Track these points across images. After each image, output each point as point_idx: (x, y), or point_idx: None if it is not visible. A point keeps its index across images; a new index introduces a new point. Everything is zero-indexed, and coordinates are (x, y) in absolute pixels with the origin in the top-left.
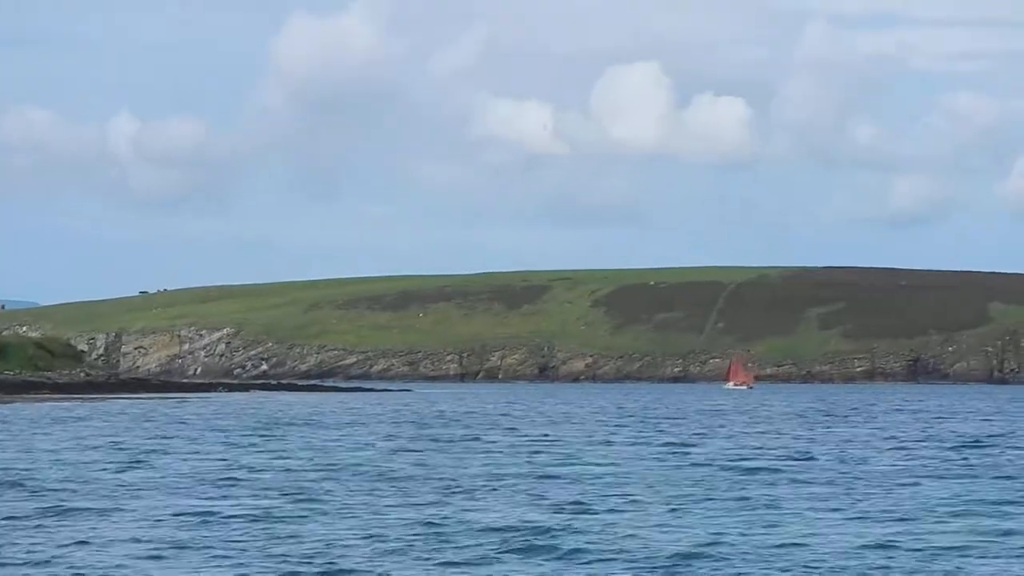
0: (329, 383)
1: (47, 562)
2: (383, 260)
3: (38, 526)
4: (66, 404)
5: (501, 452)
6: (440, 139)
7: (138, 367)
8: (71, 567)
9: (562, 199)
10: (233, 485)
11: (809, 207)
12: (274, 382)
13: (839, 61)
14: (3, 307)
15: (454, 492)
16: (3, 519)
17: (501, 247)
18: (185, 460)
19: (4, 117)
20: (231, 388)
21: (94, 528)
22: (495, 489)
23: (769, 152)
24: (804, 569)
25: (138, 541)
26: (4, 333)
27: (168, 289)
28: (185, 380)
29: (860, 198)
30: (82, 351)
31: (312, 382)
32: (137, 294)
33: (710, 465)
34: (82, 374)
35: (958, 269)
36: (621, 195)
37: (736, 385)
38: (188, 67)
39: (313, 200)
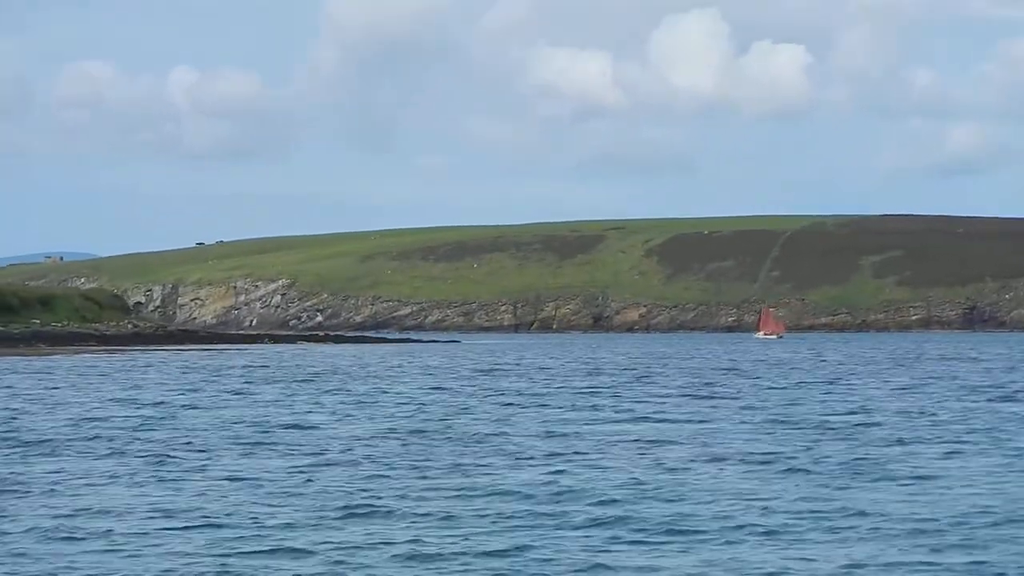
0: (384, 334)
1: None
2: (437, 212)
3: None
4: (94, 356)
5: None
6: (494, 91)
7: (195, 318)
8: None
9: (617, 149)
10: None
11: (865, 155)
12: (321, 333)
13: (897, 7)
14: (61, 259)
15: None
16: None
17: (554, 198)
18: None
19: (62, 72)
20: (276, 340)
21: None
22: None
23: (826, 100)
24: None
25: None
26: (61, 284)
27: (224, 241)
28: (237, 332)
29: (916, 146)
30: (138, 303)
31: (366, 333)
32: (193, 246)
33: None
34: (129, 326)
35: (1014, 216)
36: (676, 145)
37: (766, 335)
38: (245, 21)
39: (367, 153)
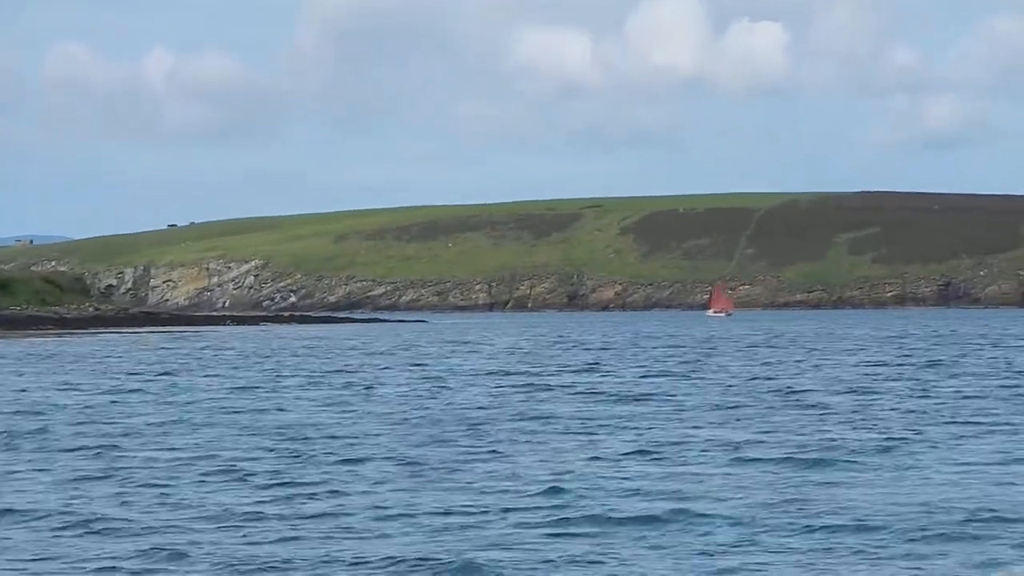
0: (357, 314)
1: None
2: (414, 192)
3: None
4: (42, 340)
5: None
6: (475, 71)
7: (167, 300)
8: None
9: (595, 128)
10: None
11: (843, 132)
12: (286, 315)
13: None
14: (31, 242)
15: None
16: None
17: (531, 176)
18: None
19: (37, 54)
20: (239, 321)
21: None
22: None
23: (805, 77)
24: None
25: None
26: (31, 268)
27: (197, 222)
28: (205, 314)
29: (895, 122)
30: (110, 285)
31: (336, 313)
32: (166, 227)
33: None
34: (91, 308)
35: (991, 193)
36: (655, 123)
37: (716, 312)
38: (223, 2)
39: (345, 134)
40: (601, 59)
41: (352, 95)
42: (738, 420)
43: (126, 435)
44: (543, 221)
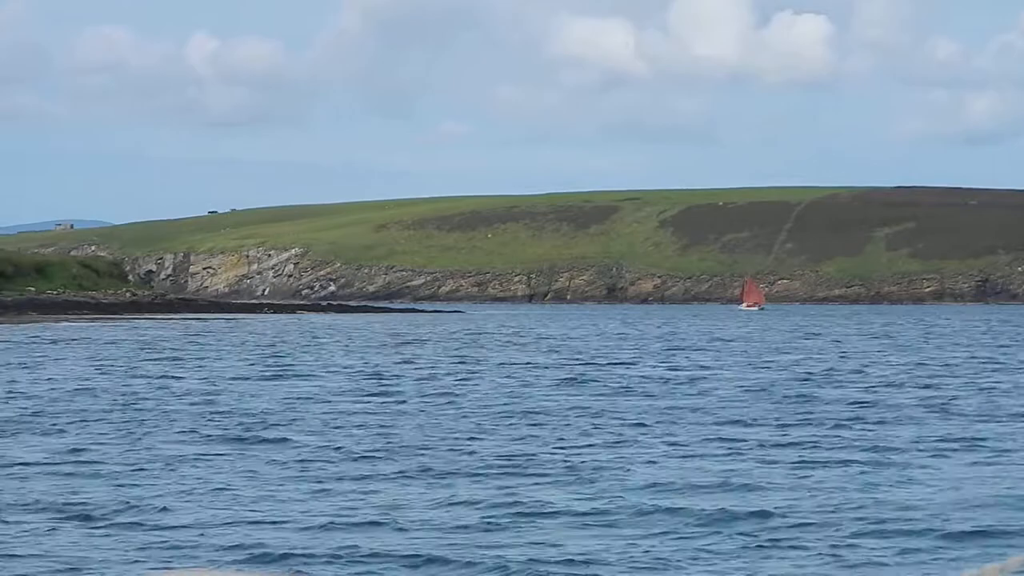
0: (396, 304)
1: None
2: (454, 181)
3: None
4: (73, 325)
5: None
6: (517, 59)
7: (206, 287)
8: None
9: (636, 119)
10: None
11: (883, 126)
12: (323, 303)
13: None
14: (71, 227)
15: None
16: None
17: (571, 168)
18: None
19: (79, 36)
20: (276, 309)
21: None
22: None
23: (846, 70)
24: None
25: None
26: (72, 253)
27: (237, 209)
28: (242, 301)
29: (935, 116)
30: (150, 271)
31: (374, 303)
32: (206, 214)
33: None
34: (128, 294)
35: None
36: (695, 115)
37: (748, 306)
38: None
39: (387, 121)
40: (643, 50)
41: (394, 82)
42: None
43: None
44: (582, 213)
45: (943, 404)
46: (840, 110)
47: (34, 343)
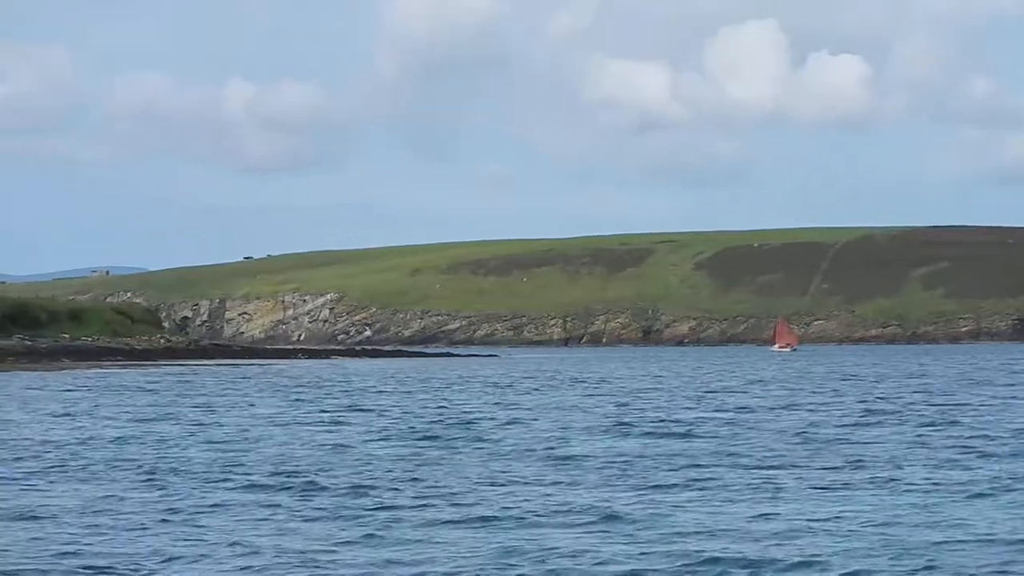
0: (432, 348)
1: None
2: (489, 225)
3: None
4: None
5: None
6: (553, 102)
7: (242, 333)
8: None
9: (671, 161)
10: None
11: (920, 166)
12: (358, 348)
13: (955, 15)
14: (107, 273)
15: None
16: None
17: (606, 210)
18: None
19: (116, 82)
20: (310, 355)
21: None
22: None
23: (882, 110)
24: None
25: None
26: (107, 299)
27: (273, 254)
28: (276, 347)
29: (971, 155)
30: (186, 317)
31: (407, 348)
32: (242, 259)
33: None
34: (162, 340)
35: None
36: (731, 157)
37: (780, 347)
38: (301, 31)
39: (424, 165)
40: (679, 92)
41: (430, 125)
42: None
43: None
44: (617, 256)
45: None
46: (876, 150)
47: (69, 390)
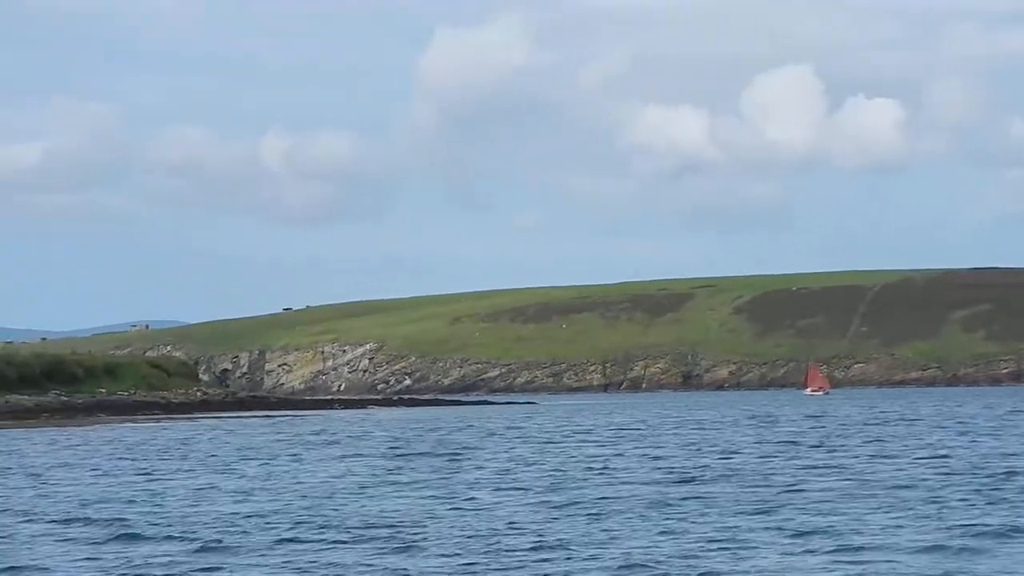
0: (471, 396)
1: None
2: (528, 272)
3: None
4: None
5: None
6: (590, 149)
7: (282, 384)
8: None
9: (708, 206)
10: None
11: (957, 208)
12: (394, 398)
13: (989, 57)
14: (147, 327)
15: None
16: None
17: (644, 256)
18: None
19: (154, 135)
20: (346, 405)
21: None
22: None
23: (919, 152)
24: None
25: None
26: (149, 353)
27: (312, 305)
28: (312, 398)
29: (1010, 196)
30: (225, 370)
31: (444, 396)
32: (281, 311)
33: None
34: (198, 393)
35: None
36: (769, 201)
37: (813, 391)
38: (337, 83)
39: (460, 214)
40: (716, 136)
41: (465, 175)
42: None
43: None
44: (656, 301)
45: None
46: (913, 192)
47: (106, 444)
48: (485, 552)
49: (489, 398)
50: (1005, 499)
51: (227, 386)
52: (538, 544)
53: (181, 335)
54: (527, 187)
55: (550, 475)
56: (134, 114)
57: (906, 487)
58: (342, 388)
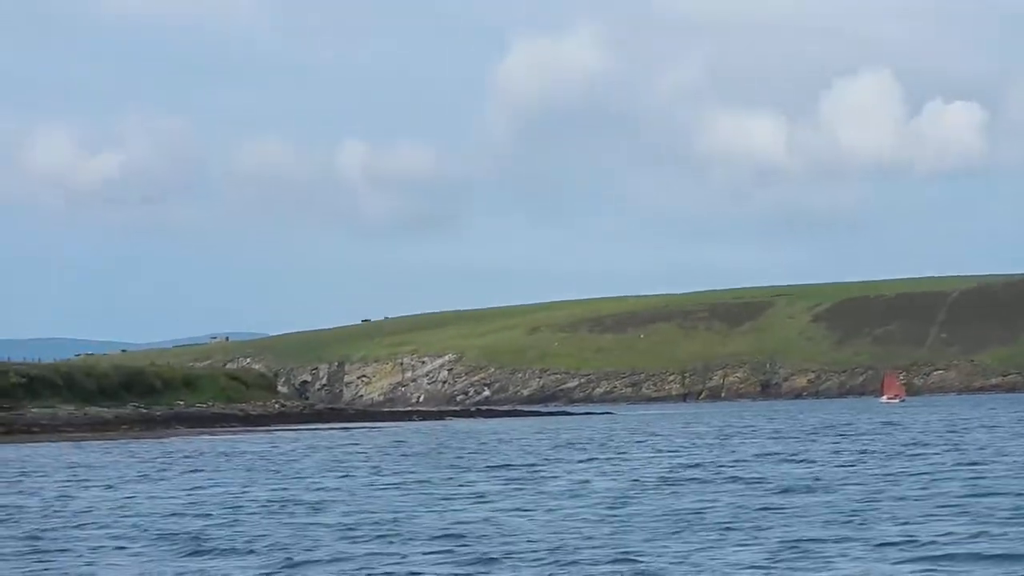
0: (550, 407)
1: None
2: (606, 281)
3: None
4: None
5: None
6: (667, 156)
7: (361, 396)
8: None
9: (786, 213)
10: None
11: None
12: (472, 409)
13: None
14: (227, 339)
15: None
16: None
17: (722, 264)
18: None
19: (233, 146)
20: (424, 416)
21: None
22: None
23: (998, 156)
24: None
25: None
26: (229, 366)
27: (390, 317)
28: (390, 409)
29: None
30: (305, 381)
31: (524, 407)
32: (360, 322)
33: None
34: (276, 405)
35: None
36: (847, 207)
37: (889, 399)
38: (414, 93)
39: (538, 222)
40: (794, 143)
41: (542, 183)
42: None
43: None
44: (734, 310)
45: None
46: (992, 197)
47: (186, 458)
48: (563, 565)
49: (568, 408)
50: None
51: (306, 398)
52: (615, 558)
53: (261, 347)
54: (604, 196)
55: (628, 484)
56: (211, 126)
57: (987, 495)
58: (421, 399)
